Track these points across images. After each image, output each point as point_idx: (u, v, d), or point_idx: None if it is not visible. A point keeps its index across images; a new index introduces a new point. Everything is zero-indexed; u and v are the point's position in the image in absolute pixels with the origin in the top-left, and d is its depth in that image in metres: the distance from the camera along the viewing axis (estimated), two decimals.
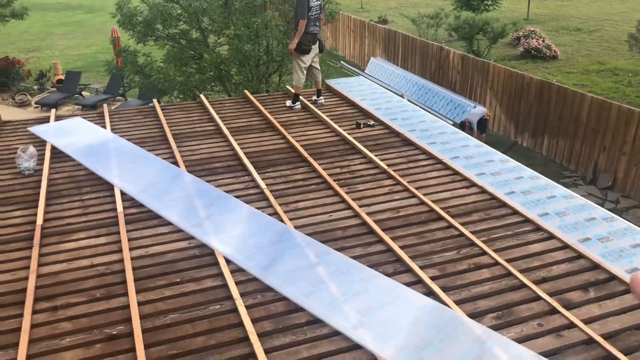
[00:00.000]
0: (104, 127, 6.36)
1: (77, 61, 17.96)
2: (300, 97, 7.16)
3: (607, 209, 5.00)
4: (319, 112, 6.82)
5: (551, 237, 4.20)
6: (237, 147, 5.77)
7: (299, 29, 6.72)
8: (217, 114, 6.77)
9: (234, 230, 4.24)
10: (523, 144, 11.92)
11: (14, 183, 5.09)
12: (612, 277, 3.71)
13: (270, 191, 4.87)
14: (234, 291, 3.52)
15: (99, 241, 4.16)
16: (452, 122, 10.94)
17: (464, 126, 11.50)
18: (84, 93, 14.59)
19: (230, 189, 4.96)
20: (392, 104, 7.22)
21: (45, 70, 15.50)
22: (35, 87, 15.06)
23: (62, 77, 14.85)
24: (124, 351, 3.07)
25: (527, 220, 4.42)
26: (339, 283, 3.60)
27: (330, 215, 4.52)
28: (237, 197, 4.77)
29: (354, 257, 3.90)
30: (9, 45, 19.47)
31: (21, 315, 3.31)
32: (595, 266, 3.84)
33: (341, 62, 17.83)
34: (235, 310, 3.38)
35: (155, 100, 7.29)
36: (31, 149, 5.34)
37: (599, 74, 15.12)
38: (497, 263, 3.86)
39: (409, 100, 7.78)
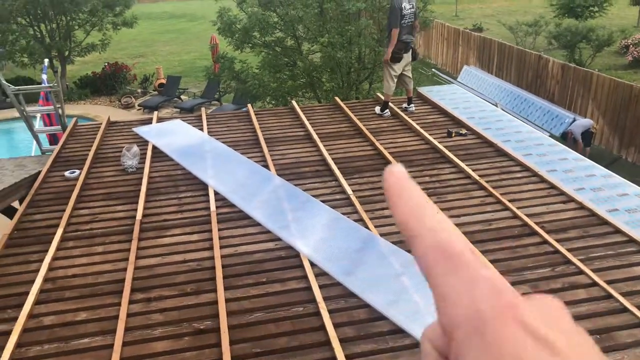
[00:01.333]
0: (201, 129, 6.67)
1: (177, 67, 19.03)
2: (390, 104, 7.12)
3: None
4: (409, 119, 6.75)
5: None
6: (326, 153, 5.83)
7: (391, 38, 6.69)
8: (308, 119, 6.89)
9: (319, 234, 4.28)
10: (628, 159, 11.10)
11: (118, 179, 5.46)
12: None
13: (357, 197, 4.88)
14: (317, 294, 3.55)
15: (192, 238, 4.35)
16: (548, 134, 10.40)
17: (566, 137, 10.91)
18: (182, 97, 15.42)
19: (317, 193, 5.02)
20: (485, 113, 6.99)
21: (149, 74, 16.56)
22: (139, 91, 16.12)
23: (164, 81, 15.79)
24: (210, 346, 3.19)
25: (632, 240, 4.10)
26: (424, 294, 3.52)
27: None
28: (323, 201, 4.81)
29: None
30: (119, 51, 20.99)
31: (119, 304, 3.53)
32: None
33: (433, 70, 17.55)
34: (318, 313, 3.40)
35: (249, 105, 7.55)
36: (135, 148, 5.71)
37: None
38: (595, 284, 3.61)
39: (503, 110, 7.50)
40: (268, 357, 3.09)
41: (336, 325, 3.29)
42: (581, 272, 3.73)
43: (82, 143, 6.42)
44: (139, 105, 14.86)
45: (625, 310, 3.36)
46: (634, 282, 3.64)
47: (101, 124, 6.96)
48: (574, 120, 11.62)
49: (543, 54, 14.47)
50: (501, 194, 4.85)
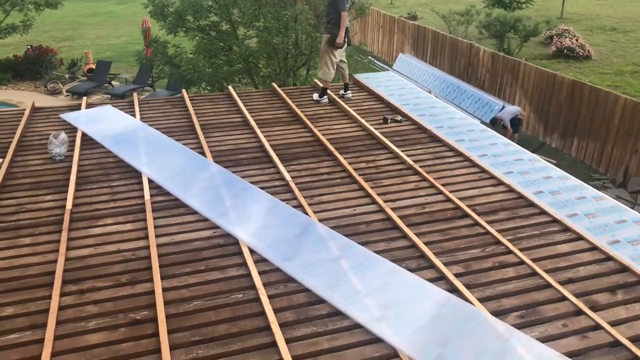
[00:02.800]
0: (134, 115, 6.45)
1: (107, 51, 18.26)
2: (328, 91, 7.15)
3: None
4: (345, 106, 6.81)
5: (579, 238, 4.12)
6: (264, 139, 5.80)
7: (342, 21, 6.65)
8: (245, 106, 6.81)
9: (258, 221, 4.26)
10: (552, 145, 11.72)
11: (46, 168, 5.20)
12: None
13: (295, 184, 4.89)
14: (257, 281, 3.55)
15: (125, 227, 4.23)
16: (480, 121, 10.80)
17: (495, 123, 11.35)
18: (113, 83, 14.83)
19: (255, 180, 4.99)
20: (420, 100, 7.16)
21: (76, 59, 15.80)
22: (67, 76, 15.36)
23: (93, 66, 15.13)
24: (148, 336, 3.12)
25: (555, 221, 4.35)
26: (362, 277, 3.59)
27: (355, 210, 4.51)
28: (262, 188, 4.79)
29: (377, 252, 3.89)
30: (43, 34, 19.89)
31: (49, 297, 3.39)
32: (624, 269, 3.76)
33: (369, 57, 17.75)
34: (257, 299, 3.40)
35: (184, 91, 7.37)
36: (62, 136, 5.46)
37: (634, 75, 14.76)
38: (522, 262, 3.80)
39: (436, 97, 7.71)
40: (208, 344, 3.06)
41: (276, 311, 3.30)
42: (510, 252, 3.93)
43: (4, 130, 6.06)
44: (66, 91, 14.17)
45: (549, 286, 3.56)
46: (557, 260, 3.87)
47: (25, 110, 6.59)
48: (503, 107, 12.13)
49: (474, 42, 14.96)
50: (435, 179, 5.00)
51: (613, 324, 3.23)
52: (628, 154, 9.96)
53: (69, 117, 6.37)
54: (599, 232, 4.25)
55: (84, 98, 7.16)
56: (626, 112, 9.96)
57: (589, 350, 3.04)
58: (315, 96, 7.14)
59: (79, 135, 5.82)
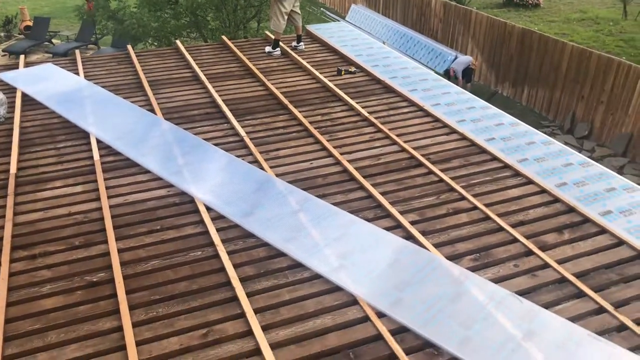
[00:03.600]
0: (77, 74, 6.16)
1: (44, 7, 17.24)
2: (280, 43, 6.99)
3: None
4: (299, 58, 6.69)
5: (529, 182, 4.25)
6: (215, 94, 5.65)
7: None
8: (194, 60, 6.60)
9: (214, 178, 4.20)
10: (503, 94, 11.94)
11: None
12: (586, 220, 3.80)
13: (251, 139, 4.82)
14: (215, 238, 3.52)
15: (75, 189, 4.09)
16: (433, 71, 10.85)
17: (448, 75, 11.42)
18: (54, 41, 14.07)
19: (209, 136, 4.89)
20: (373, 51, 7.10)
21: (11, 16, 14.85)
22: (2, 34, 14.46)
23: (30, 23, 14.28)
24: (105, 297, 3.07)
25: (506, 166, 4.46)
26: (320, 229, 3.62)
27: (311, 163, 4.49)
28: (216, 144, 4.70)
29: (335, 204, 3.91)
30: None
31: None
32: (571, 209, 3.92)
33: (321, 9, 17.42)
34: (217, 256, 3.39)
35: (129, 47, 7.05)
36: (0, 96, 5.16)
37: (581, 22, 15.06)
38: (475, 207, 3.91)
39: (389, 49, 7.67)
40: (167, 302, 3.04)
41: (236, 266, 3.30)
42: (463, 198, 4.02)
43: None
44: (3, 51, 13.37)
45: (501, 229, 3.68)
46: (508, 204, 3.99)
47: None
48: (456, 57, 12.20)
49: None
50: (389, 129, 5.02)
51: (560, 262, 3.38)
52: (575, 101, 10.26)
53: (6, 76, 6.02)
54: (547, 175, 4.39)
55: (22, 57, 6.76)
56: (573, 60, 10.19)
57: (538, 288, 3.18)
58: (267, 49, 6.98)
59: (18, 95, 5.53)
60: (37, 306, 3.01)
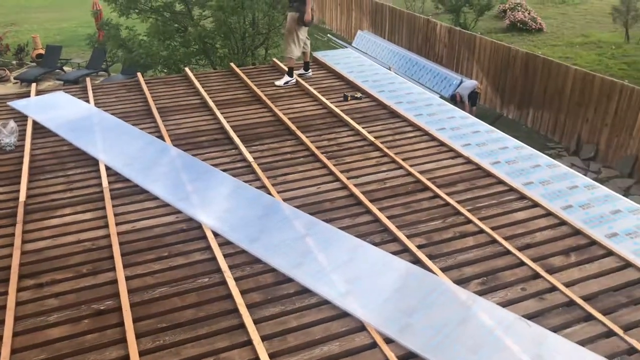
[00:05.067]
0: (87, 101, 6.26)
1: (56, 35, 17.59)
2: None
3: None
4: (306, 84, 6.77)
5: (535, 205, 4.25)
6: (224, 121, 5.72)
7: None
8: (203, 87, 6.70)
9: (221, 204, 4.23)
10: (509, 116, 11.97)
11: None
12: (593, 242, 3.79)
13: (258, 164, 4.86)
14: (223, 264, 3.53)
15: (84, 217, 4.12)
16: (439, 96, 10.93)
17: (455, 99, 11.50)
18: (65, 68, 14.31)
19: (217, 162, 4.93)
20: (379, 77, 7.18)
21: (23, 44, 15.16)
22: (14, 62, 14.74)
23: (42, 51, 14.55)
24: (112, 326, 3.07)
25: (512, 189, 4.47)
26: (327, 253, 3.62)
27: (318, 188, 4.52)
28: (224, 170, 4.75)
29: (342, 228, 3.92)
30: None
31: (6, 292, 3.28)
32: (577, 232, 3.91)
33: (328, 35, 17.66)
34: (224, 282, 3.39)
35: (139, 74, 7.18)
36: (12, 124, 5.25)
37: (583, 46, 15.16)
38: (482, 231, 3.90)
39: (395, 74, 7.75)
40: (174, 330, 3.04)
41: (243, 292, 3.30)
42: (469, 222, 4.02)
43: None
44: (15, 78, 13.60)
45: (507, 252, 3.67)
46: (514, 227, 3.99)
47: None
48: (462, 81, 12.28)
49: (431, 18, 15.04)
50: (395, 154, 5.05)
51: (567, 284, 3.37)
52: (579, 123, 10.27)
53: (18, 104, 6.13)
54: (553, 198, 4.39)
55: (33, 85, 6.90)
56: (577, 83, 10.24)
57: (546, 312, 3.16)
58: (279, 82, 6.87)
59: (29, 123, 5.62)
60: (44, 336, 3.01)
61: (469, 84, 11.88)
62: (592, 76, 9.97)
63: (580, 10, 18.73)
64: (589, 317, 3.11)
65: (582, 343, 2.91)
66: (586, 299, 3.25)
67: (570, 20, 17.58)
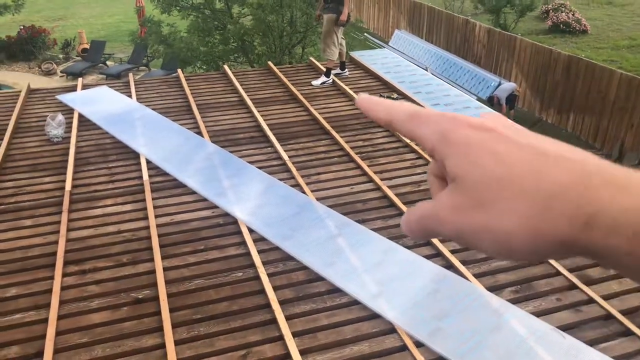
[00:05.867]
0: (130, 96, 6.44)
1: (100, 30, 18.08)
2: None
3: None
4: (342, 84, 6.80)
5: None
6: (260, 119, 5.81)
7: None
8: (241, 85, 6.80)
9: (256, 200, 4.30)
10: (548, 121, 11.74)
11: (43, 150, 5.22)
12: None
13: (293, 163, 4.92)
14: (257, 259, 3.60)
15: (125, 208, 4.26)
16: (476, 97, 10.80)
17: (492, 101, 11.35)
18: (108, 62, 14.72)
19: (252, 159, 5.02)
20: (416, 77, 7.16)
21: (70, 39, 15.65)
22: (61, 56, 15.24)
23: (87, 46, 14.99)
24: (150, 314, 3.18)
25: None
26: (359, 254, 3.65)
27: (352, 188, 4.55)
28: (259, 168, 4.82)
29: (374, 229, 3.94)
30: (35, 14, 19.65)
31: (52, 277, 3.43)
32: None
33: (365, 34, 17.63)
34: (257, 277, 3.46)
35: (179, 71, 7.34)
36: (60, 117, 5.45)
37: (630, 49, 14.72)
38: None
39: (432, 74, 7.70)
40: (209, 322, 3.12)
41: (275, 288, 3.36)
42: None
43: (0, 113, 6.04)
44: (61, 72, 14.07)
45: (543, 261, 3.63)
46: None
47: (20, 91, 6.56)
48: (500, 83, 12.10)
49: (470, 18, 14.85)
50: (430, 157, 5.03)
51: (606, 297, 3.30)
52: (623, 129, 10.00)
53: (66, 98, 6.36)
54: None
55: (80, 79, 7.13)
56: (622, 87, 9.96)
57: (582, 324, 3.11)
58: (317, 82, 6.90)
59: (75, 116, 5.82)
60: (86, 320, 3.14)
61: (508, 86, 11.70)
62: (638, 81, 9.69)
63: (627, 11, 18.18)
64: (628, 332, 3.05)
65: (619, 358, 2.86)
66: (625, 313, 3.18)
67: (616, 22, 17.09)
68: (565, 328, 3.06)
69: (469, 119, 0.39)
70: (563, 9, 16.64)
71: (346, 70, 7.26)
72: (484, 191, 0.36)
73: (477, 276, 3.47)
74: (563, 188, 0.34)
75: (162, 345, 2.93)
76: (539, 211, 0.34)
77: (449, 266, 3.56)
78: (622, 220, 0.32)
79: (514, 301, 3.26)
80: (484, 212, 0.36)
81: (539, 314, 3.16)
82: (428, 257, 3.65)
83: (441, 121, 0.40)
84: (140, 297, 3.32)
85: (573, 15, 16.28)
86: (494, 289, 3.37)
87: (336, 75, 7.17)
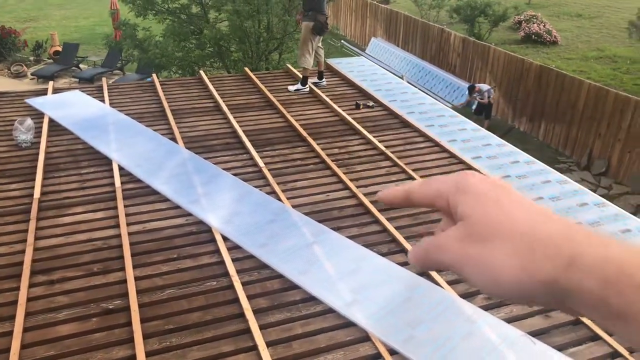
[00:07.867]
0: (103, 101, 6.34)
1: (74, 33, 17.79)
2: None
3: (600, 195, 5.06)
4: (318, 91, 6.81)
5: None
6: (236, 125, 5.77)
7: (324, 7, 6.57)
8: (217, 90, 6.76)
9: (231, 208, 4.27)
10: (520, 129, 11.95)
11: (11, 155, 5.09)
12: None
13: (269, 170, 4.90)
14: (231, 268, 3.57)
15: (96, 216, 4.18)
16: (450, 105, 10.93)
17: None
18: (81, 66, 14.48)
19: (228, 166, 4.98)
20: (392, 86, 7.21)
21: (41, 41, 15.35)
22: (32, 58, 14.93)
23: (59, 48, 14.73)
24: (120, 325, 3.11)
25: None
26: (334, 262, 3.65)
27: (328, 195, 4.55)
28: (235, 174, 4.79)
29: (350, 237, 3.94)
30: (6, 14, 19.25)
31: (18, 288, 3.33)
32: None
33: (342, 41, 17.72)
34: (231, 286, 3.42)
35: (154, 75, 7.25)
36: (28, 121, 5.33)
37: (598, 60, 15.10)
38: None
39: (408, 82, 7.77)
40: (181, 332, 3.07)
41: (250, 297, 3.33)
42: None
43: None
44: (32, 75, 13.78)
45: None
46: None
47: None
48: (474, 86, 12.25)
49: (446, 27, 15.06)
50: (405, 164, 5.07)
51: None
52: (592, 138, 10.24)
53: (35, 102, 6.22)
54: (562, 214, 4.36)
55: (51, 82, 6.99)
56: (590, 97, 10.21)
57: (552, 329, 3.16)
58: (293, 88, 6.96)
59: (46, 121, 5.70)
60: (53, 332, 3.06)
61: (485, 87, 11.81)
62: (605, 91, 9.94)
63: (596, 23, 18.66)
64: (595, 337, 3.11)
65: None
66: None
67: (585, 33, 17.52)
68: (536, 334, 3.10)
69: (475, 174, 0.46)
70: (535, 20, 16.99)
71: (324, 80, 7.26)
72: (485, 229, 0.42)
73: (451, 283, 3.49)
74: (551, 236, 0.39)
75: (133, 357, 2.87)
76: (527, 252, 0.40)
77: (423, 273, 3.58)
78: (599, 265, 0.37)
79: (487, 308, 3.29)
80: (481, 245, 0.42)
81: (510, 320, 3.20)
82: (402, 264, 3.66)
83: (452, 178, 0.47)
84: (110, 307, 3.25)
85: (544, 26, 16.63)
86: (467, 295, 3.40)
87: (314, 84, 7.18)
